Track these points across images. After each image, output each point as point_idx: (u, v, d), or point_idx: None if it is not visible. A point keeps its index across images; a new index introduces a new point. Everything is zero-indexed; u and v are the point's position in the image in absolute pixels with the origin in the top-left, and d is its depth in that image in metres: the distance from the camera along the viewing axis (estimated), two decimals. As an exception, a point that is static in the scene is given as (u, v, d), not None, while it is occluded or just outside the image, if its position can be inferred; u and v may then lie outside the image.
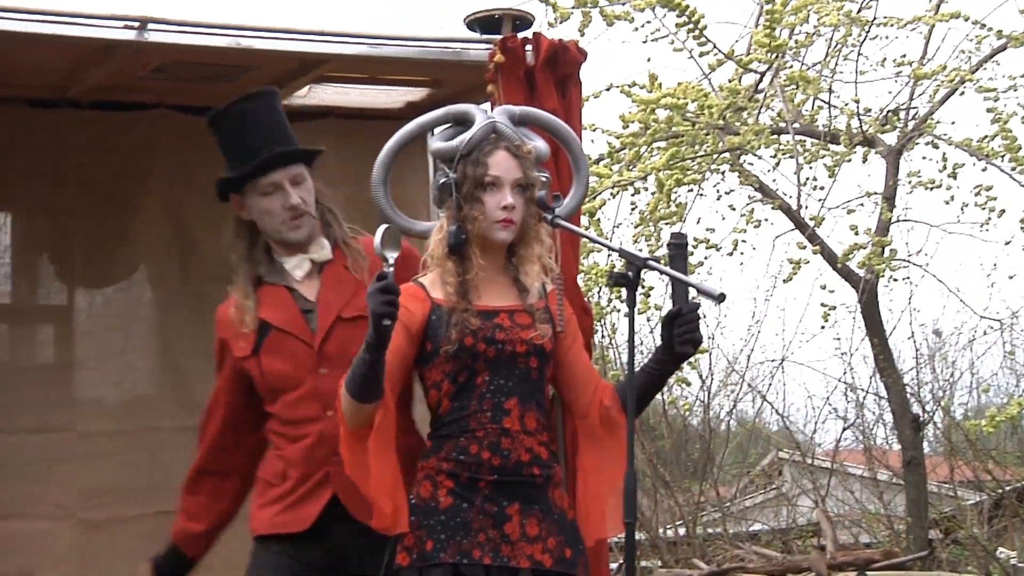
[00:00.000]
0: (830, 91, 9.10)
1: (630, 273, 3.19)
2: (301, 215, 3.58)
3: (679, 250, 3.28)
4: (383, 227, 3.09)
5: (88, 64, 4.62)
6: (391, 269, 3.04)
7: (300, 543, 3.55)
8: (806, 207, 9.02)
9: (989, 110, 8.75)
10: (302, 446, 3.57)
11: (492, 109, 3.55)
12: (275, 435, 3.64)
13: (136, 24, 4.15)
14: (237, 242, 3.66)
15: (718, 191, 9.73)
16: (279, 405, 3.60)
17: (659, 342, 3.36)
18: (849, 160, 9.25)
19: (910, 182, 9.52)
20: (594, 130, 8.92)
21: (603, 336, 10.39)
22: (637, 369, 3.31)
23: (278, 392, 3.59)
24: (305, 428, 3.57)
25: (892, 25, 8.98)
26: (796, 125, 8.99)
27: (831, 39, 9.02)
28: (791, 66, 8.85)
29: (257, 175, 3.56)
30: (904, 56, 9.39)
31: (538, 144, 3.45)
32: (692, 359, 8.89)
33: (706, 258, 9.49)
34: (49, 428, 5.11)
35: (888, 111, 9.42)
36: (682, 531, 10.99)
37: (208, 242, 5.22)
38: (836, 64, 9.10)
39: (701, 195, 9.35)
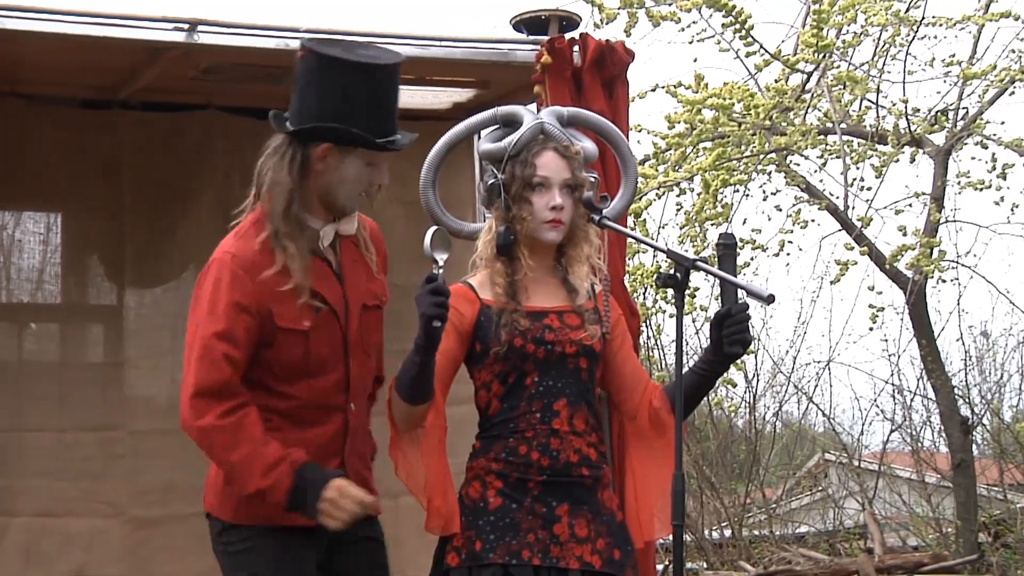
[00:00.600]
0: (878, 91, 9.05)
1: (678, 274, 3.19)
2: (373, 196, 3.43)
3: (728, 251, 3.27)
4: (432, 229, 3.10)
5: (138, 65, 4.67)
6: (441, 271, 3.05)
7: (301, 536, 3.35)
8: (853, 208, 8.98)
9: (1039, 110, 8.69)
10: (317, 433, 3.35)
11: (539, 110, 3.55)
12: (280, 416, 3.35)
13: (186, 26, 4.19)
14: (292, 186, 3.35)
15: (764, 192, 9.71)
16: (302, 387, 3.34)
17: (705, 343, 3.36)
18: (897, 160, 9.19)
19: (959, 182, 9.47)
20: (640, 130, 8.92)
21: (648, 337, 10.38)
22: (686, 370, 3.31)
23: (305, 375, 3.34)
24: (326, 416, 3.37)
25: (941, 25, 8.93)
26: (843, 125, 8.95)
27: (879, 39, 8.97)
28: (838, 66, 8.81)
29: (383, 148, 3.36)
30: (953, 56, 9.33)
31: (586, 145, 3.46)
32: (738, 360, 8.86)
33: (752, 259, 9.47)
34: (101, 427, 5.17)
35: (936, 111, 9.35)
36: (728, 533, 10.96)
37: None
38: (884, 64, 9.04)
39: (747, 196, 9.32)
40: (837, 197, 9.22)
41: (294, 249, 3.31)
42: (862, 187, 9.30)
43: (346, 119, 3.33)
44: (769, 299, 3.05)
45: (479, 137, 3.54)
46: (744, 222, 10.30)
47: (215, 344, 3.33)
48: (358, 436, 3.44)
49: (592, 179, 3.39)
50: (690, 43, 8.82)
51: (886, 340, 11.50)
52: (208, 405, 3.35)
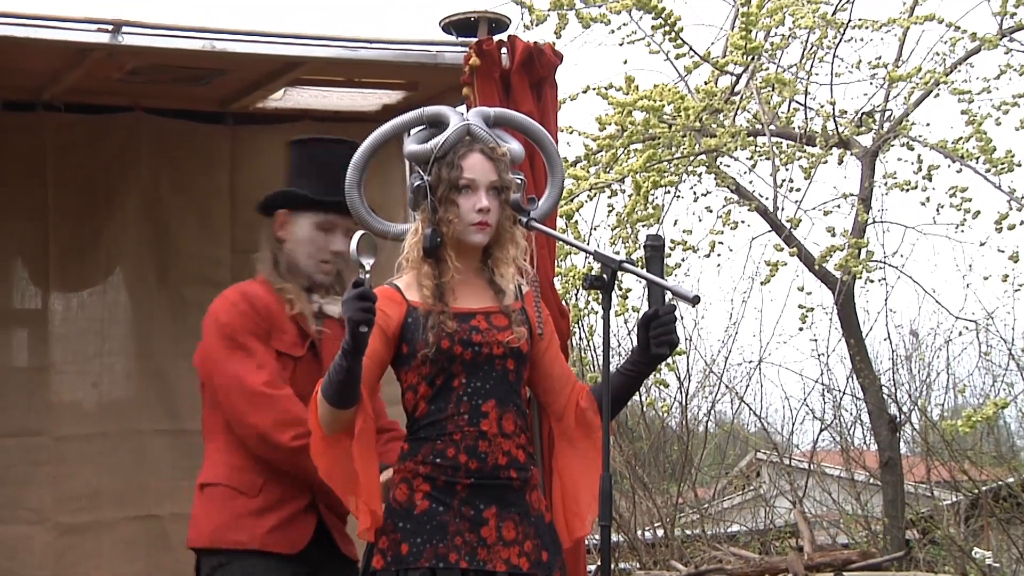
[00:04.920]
0: (806, 93, 9.13)
1: (605, 276, 3.20)
2: (334, 264, 3.70)
3: (656, 252, 3.28)
4: (359, 233, 3.09)
5: (63, 67, 4.61)
6: (368, 275, 3.05)
7: (286, 563, 3.57)
8: (783, 209, 9.06)
9: (963, 112, 8.80)
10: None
11: (467, 111, 3.54)
12: (251, 455, 3.61)
13: (110, 27, 4.14)
14: (279, 255, 3.72)
15: (695, 193, 9.76)
16: None
17: (636, 344, 3.37)
18: (825, 162, 9.29)
19: (886, 184, 9.58)
20: (571, 132, 8.93)
21: (580, 338, 10.40)
22: (614, 371, 3.32)
23: None
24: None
25: (867, 27, 9.03)
26: (772, 127, 9.02)
27: (806, 41, 9.06)
28: (767, 68, 8.89)
29: (329, 209, 3.66)
30: (879, 58, 9.45)
31: (513, 146, 3.45)
32: (670, 360, 8.90)
33: (683, 260, 9.52)
34: (25, 432, 5.10)
35: (863, 113, 9.47)
36: (660, 532, 11.00)
37: (186, 244, 5.22)
38: (812, 66, 9.14)
39: (678, 197, 9.38)
40: (767, 198, 9.30)
41: (290, 290, 3.66)
42: (791, 188, 9.39)
43: (296, 184, 3.71)
44: (694, 300, 3.07)
45: (408, 136, 3.53)
46: (675, 223, 10.34)
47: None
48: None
49: (519, 180, 3.39)
50: (620, 45, 8.87)
51: (816, 340, 11.65)
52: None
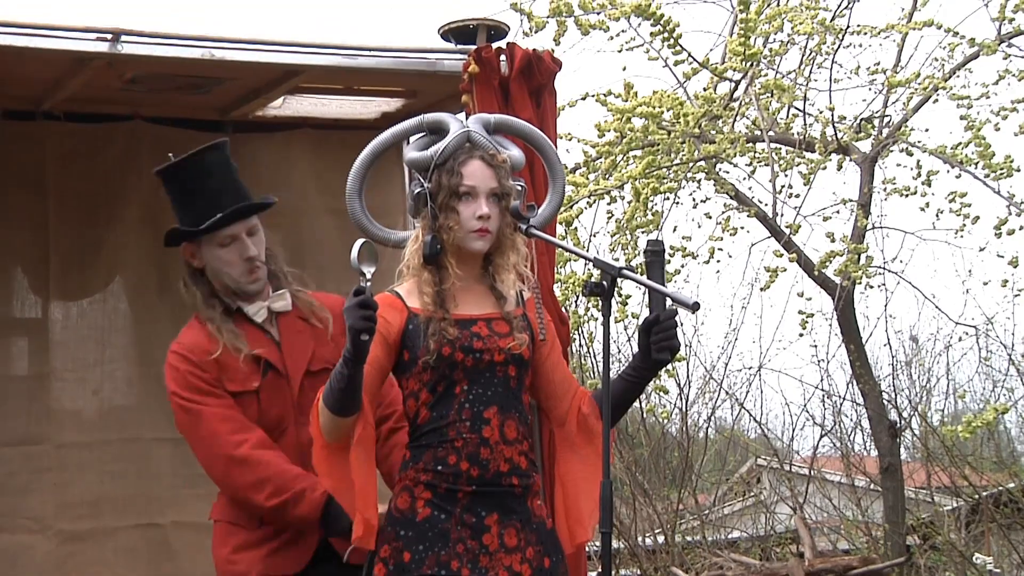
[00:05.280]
0: (805, 99, 9.14)
1: (605, 283, 3.20)
2: (258, 266, 3.67)
3: (656, 257, 3.28)
4: (359, 242, 3.09)
5: (63, 76, 4.62)
6: (368, 283, 3.05)
7: None
8: (782, 215, 9.07)
9: (962, 117, 8.81)
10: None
11: (467, 118, 3.55)
12: None
13: (109, 36, 4.15)
14: (196, 288, 3.70)
15: (694, 199, 9.78)
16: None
17: (637, 350, 3.37)
18: (824, 168, 9.30)
19: (885, 189, 9.59)
20: (570, 139, 8.95)
21: (581, 345, 10.41)
22: (615, 377, 3.32)
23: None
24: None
25: (866, 33, 9.04)
26: (771, 133, 9.03)
27: (805, 47, 9.07)
28: (766, 74, 8.89)
29: (216, 228, 3.62)
30: (878, 64, 9.46)
31: (513, 153, 3.45)
32: (670, 367, 8.90)
33: (683, 266, 9.53)
34: (26, 440, 5.10)
35: (862, 119, 9.48)
36: (661, 539, 11.00)
37: (185, 252, 5.22)
38: (810, 72, 9.15)
39: (677, 203, 9.39)
40: (766, 204, 9.30)
41: (217, 320, 3.62)
42: (790, 194, 9.41)
43: (183, 217, 3.68)
44: (694, 307, 3.07)
45: (408, 143, 3.53)
46: (674, 229, 10.33)
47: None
48: None
49: (519, 187, 3.39)
50: (619, 52, 8.89)
51: (815, 346, 11.59)
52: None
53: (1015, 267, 8.92)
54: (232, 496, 3.60)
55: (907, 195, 9.45)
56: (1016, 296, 10.07)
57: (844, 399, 11.74)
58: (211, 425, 3.55)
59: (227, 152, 3.74)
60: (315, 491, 3.48)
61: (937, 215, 9.44)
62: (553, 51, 4.54)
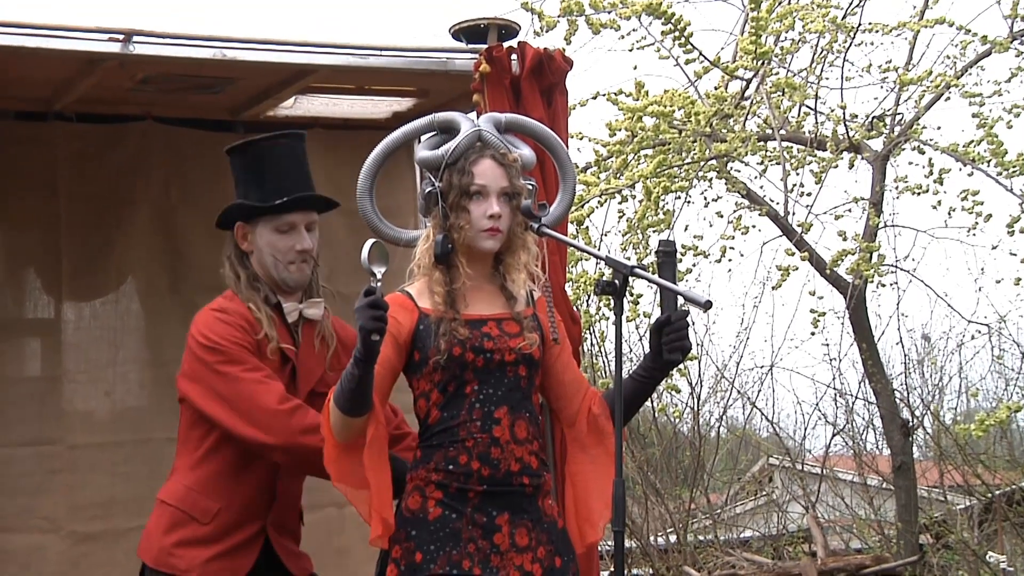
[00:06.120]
0: (816, 97, 9.12)
1: (616, 281, 3.19)
2: (306, 261, 3.67)
3: (668, 257, 3.28)
4: (370, 242, 3.09)
5: (74, 77, 4.63)
6: (379, 284, 3.04)
7: None
8: (793, 213, 9.04)
9: (974, 115, 8.78)
10: (248, 493, 3.62)
11: (478, 118, 3.55)
12: (217, 475, 3.61)
13: (121, 37, 4.16)
14: (240, 269, 3.66)
15: (705, 198, 9.75)
16: (236, 454, 3.59)
17: (648, 349, 3.36)
18: (836, 166, 9.27)
19: (897, 187, 9.56)
20: (581, 138, 8.93)
21: (592, 344, 10.40)
22: (626, 377, 3.32)
23: None
24: (259, 476, 3.62)
25: (877, 31, 9.02)
26: (782, 132, 9.01)
27: (816, 46, 9.04)
28: (777, 73, 8.87)
29: (281, 211, 3.61)
30: (890, 62, 9.43)
31: (524, 152, 3.45)
32: (681, 366, 8.90)
33: (694, 265, 9.51)
34: (39, 441, 5.11)
35: (874, 117, 9.45)
36: (673, 538, 10.99)
37: (197, 252, 5.23)
38: (822, 70, 9.12)
39: (689, 202, 9.36)
40: (777, 203, 9.28)
41: (259, 303, 3.59)
42: (802, 193, 9.39)
43: (247, 195, 3.64)
44: (706, 305, 3.06)
45: (419, 143, 3.53)
46: (686, 228, 10.29)
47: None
48: (284, 504, 3.67)
49: (530, 186, 3.38)
50: (630, 51, 8.87)
51: (827, 345, 11.59)
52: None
53: (1028, 265, 8.90)
54: (283, 443, 3.48)
55: (919, 193, 9.43)
56: (1029, 294, 10.04)
57: (856, 398, 11.74)
58: (248, 379, 3.50)
59: (304, 144, 3.74)
60: None
61: (949, 213, 9.41)
62: (564, 50, 4.53)
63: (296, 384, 3.64)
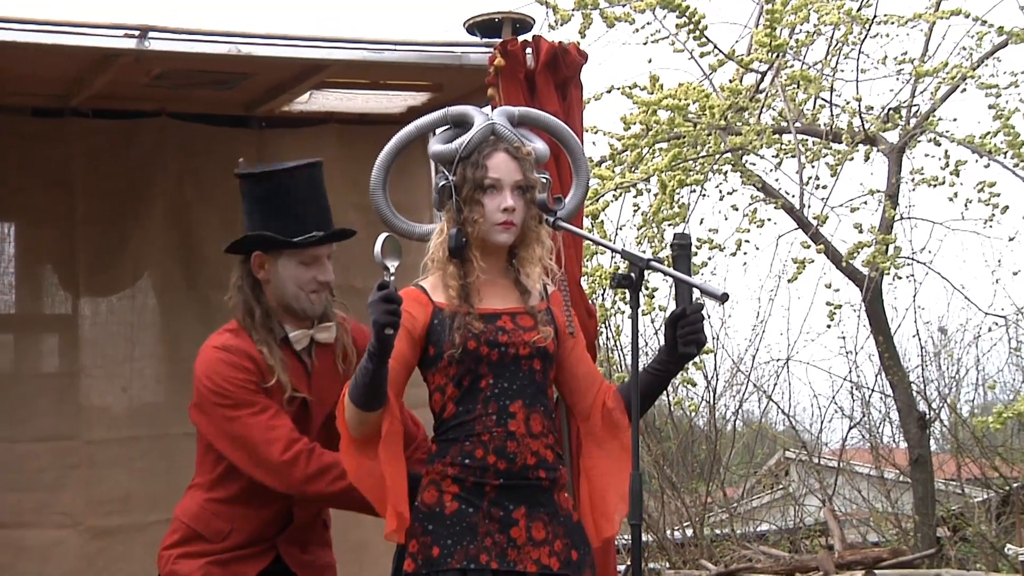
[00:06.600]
0: (831, 90, 9.10)
1: (633, 274, 3.19)
2: (327, 291, 3.63)
3: (683, 250, 3.27)
4: (383, 236, 3.08)
5: (90, 73, 4.64)
6: (392, 278, 3.04)
7: None
8: (809, 206, 9.03)
9: (991, 107, 8.76)
10: (263, 518, 3.60)
11: (492, 111, 3.54)
12: (234, 498, 3.59)
13: (136, 32, 4.17)
14: (253, 303, 3.59)
15: (720, 191, 9.75)
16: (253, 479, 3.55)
17: (663, 343, 3.36)
18: (851, 159, 9.26)
19: (913, 180, 9.54)
20: (596, 132, 8.93)
21: (608, 338, 10.39)
22: (641, 370, 3.31)
23: None
24: (275, 504, 3.59)
25: (893, 23, 8.99)
26: (798, 124, 8.99)
27: (832, 38, 9.03)
28: (792, 65, 8.86)
29: (308, 245, 3.56)
30: (905, 54, 9.41)
31: (537, 145, 3.45)
32: (697, 359, 8.88)
33: (710, 259, 9.51)
34: (56, 436, 5.13)
35: (890, 109, 9.42)
36: (689, 532, 10.99)
37: (212, 247, 5.22)
38: (837, 63, 9.11)
39: (704, 196, 9.37)
40: (793, 196, 9.27)
41: (270, 350, 3.54)
42: (817, 185, 9.37)
43: (266, 226, 3.56)
44: (723, 298, 3.05)
45: (433, 137, 3.53)
46: (701, 222, 10.31)
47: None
48: (299, 526, 3.65)
49: (544, 180, 3.38)
50: (644, 44, 8.86)
51: (843, 337, 11.57)
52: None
53: (1045, 256, 8.87)
54: (290, 491, 3.51)
55: (935, 185, 9.40)
56: (1047, 285, 10.01)
57: (873, 391, 11.72)
58: (255, 425, 3.48)
59: (322, 172, 3.69)
60: None
61: (966, 205, 9.39)
62: (579, 44, 4.53)
63: (309, 415, 3.60)
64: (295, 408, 3.58)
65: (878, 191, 9.58)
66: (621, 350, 10.65)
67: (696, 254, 9.01)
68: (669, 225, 9.02)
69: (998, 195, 9.01)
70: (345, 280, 5.48)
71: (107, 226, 5.22)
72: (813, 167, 9.37)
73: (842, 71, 9.16)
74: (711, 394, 11.77)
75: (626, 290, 3.21)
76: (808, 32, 8.89)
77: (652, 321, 10.12)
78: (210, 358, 3.55)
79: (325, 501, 3.56)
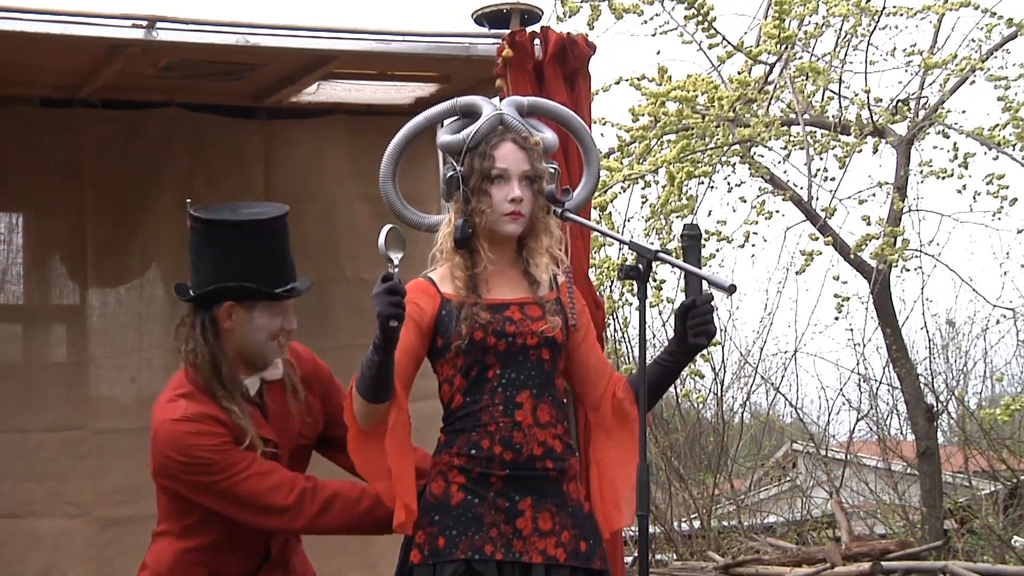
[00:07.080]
0: (840, 82, 9.09)
1: (640, 266, 3.19)
2: (285, 342, 3.55)
3: (692, 241, 3.27)
4: (387, 228, 3.08)
5: (98, 63, 4.64)
6: (396, 270, 3.04)
7: None
8: (817, 198, 9.01)
9: (1000, 99, 8.73)
10: (240, 557, 3.56)
11: (501, 101, 3.54)
12: (210, 545, 3.53)
13: (144, 23, 4.17)
14: (220, 357, 3.48)
15: (729, 183, 9.73)
16: (229, 522, 3.48)
17: (672, 334, 3.35)
18: (860, 151, 9.24)
19: (921, 172, 9.52)
20: (604, 124, 8.93)
21: (615, 330, 10.39)
22: (650, 362, 3.31)
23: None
24: (252, 543, 3.56)
25: (902, 15, 8.97)
26: (806, 116, 8.98)
27: (840, 29, 9.01)
28: (801, 57, 8.84)
29: (283, 298, 3.48)
30: (914, 45, 9.39)
31: (546, 135, 3.44)
32: (705, 351, 8.88)
33: (718, 250, 9.50)
34: (65, 426, 5.14)
35: (898, 101, 9.40)
36: (697, 524, 11.00)
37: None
38: (846, 54, 9.09)
39: (712, 187, 9.35)
40: (801, 188, 9.25)
41: (240, 408, 3.46)
42: (826, 177, 9.35)
43: (244, 276, 3.46)
44: (731, 289, 3.05)
45: (441, 127, 3.53)
46: (709, 214, 10.25)
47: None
48: (278, 560, 3.61)
49: (552, 170, 3.38)
50: (653, 36, 8.86)
51: (851, 330, 11.55)
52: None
53: (1053, 249, 8.85)
54: (304, 529, 3.51)
55: (944, 177, 9.38)
56: (1055, 278, 10.00)
57: (880, 383, 11.71)
58: (256, 486, 3.41)
59: (286, 222, 3.57)
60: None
61: (974, 197, 9.36)
62: (587, 35, 4.53)
63: (278, 456, 3.53)
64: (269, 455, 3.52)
65: (886, 183, 9.57)
66: (629, 342, 10.64)
67: (704, 246, 9.00)
68: (677, 217, 9.02)
69: (1007, 187, 8.99)
70: (354, 272, 5.47)
71: (115, 217, 5.23)
72: (821, 159, 9.36)
73: (851, 63, 9.14)
74: (719, 386, 11.77)
75: (634, 282, 3.20)
76: (817, 24, 8.87)
77: (660, 313, 10.12)
78: (174, 432, 3.43)
79: (336, 531, 3.52)
